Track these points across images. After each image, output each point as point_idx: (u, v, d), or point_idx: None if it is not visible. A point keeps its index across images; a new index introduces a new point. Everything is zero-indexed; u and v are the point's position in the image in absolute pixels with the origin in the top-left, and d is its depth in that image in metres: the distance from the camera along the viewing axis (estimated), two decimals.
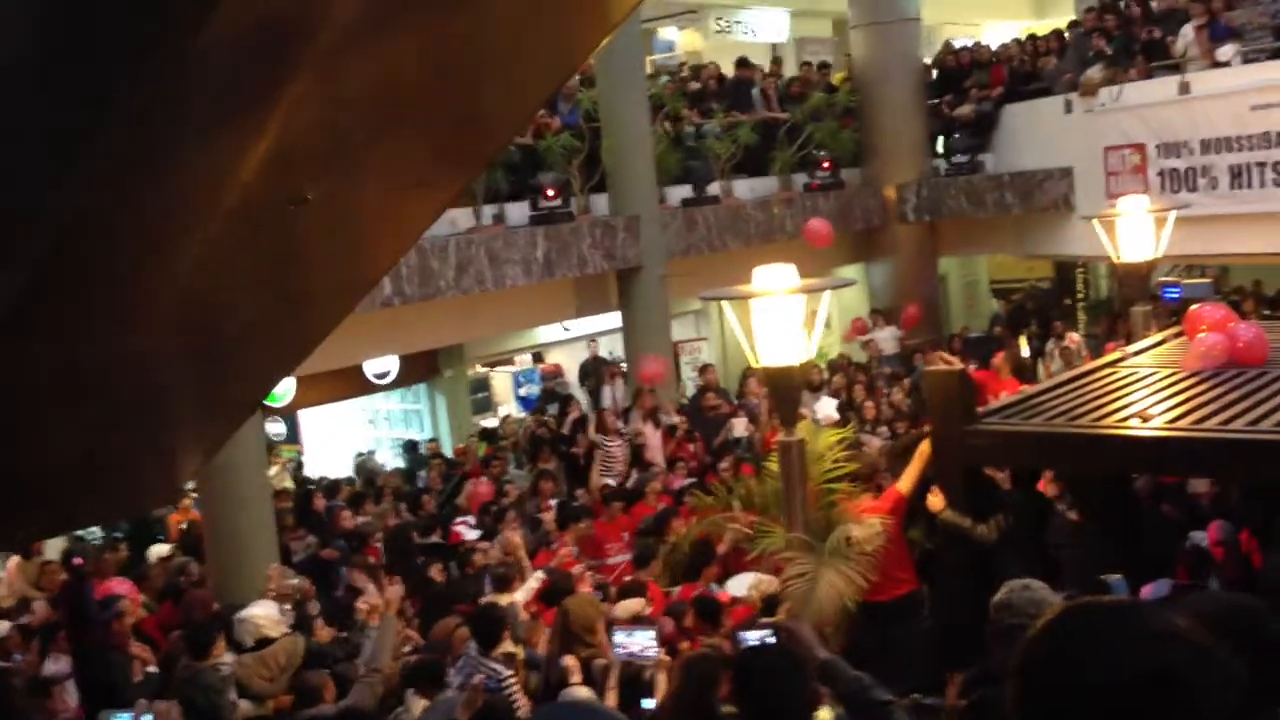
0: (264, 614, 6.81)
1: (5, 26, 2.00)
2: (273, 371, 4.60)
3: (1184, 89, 12.92)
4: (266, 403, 10.78)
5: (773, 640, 5.19)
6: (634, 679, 5.71)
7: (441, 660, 6.00)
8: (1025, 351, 14.73)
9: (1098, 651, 1.28)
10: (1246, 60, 12.59)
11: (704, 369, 13.93)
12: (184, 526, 10.36)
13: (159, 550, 9.70)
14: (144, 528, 10.74)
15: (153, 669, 7.04)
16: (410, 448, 14.20)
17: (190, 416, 3.94)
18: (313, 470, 13.97)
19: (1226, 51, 12.68)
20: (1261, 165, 12.27)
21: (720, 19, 19.70)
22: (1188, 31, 13.20)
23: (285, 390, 11.94)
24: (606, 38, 2.85)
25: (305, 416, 14.79)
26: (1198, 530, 6.84)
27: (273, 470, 11.24)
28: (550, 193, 11.92)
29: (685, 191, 13.86)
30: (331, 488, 10.97)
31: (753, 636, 5.63)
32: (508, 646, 6.16)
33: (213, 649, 6.24)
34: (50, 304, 2.48)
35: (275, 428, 13.92)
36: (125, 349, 2.97)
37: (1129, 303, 10.03)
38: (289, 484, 12.00)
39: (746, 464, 9.84)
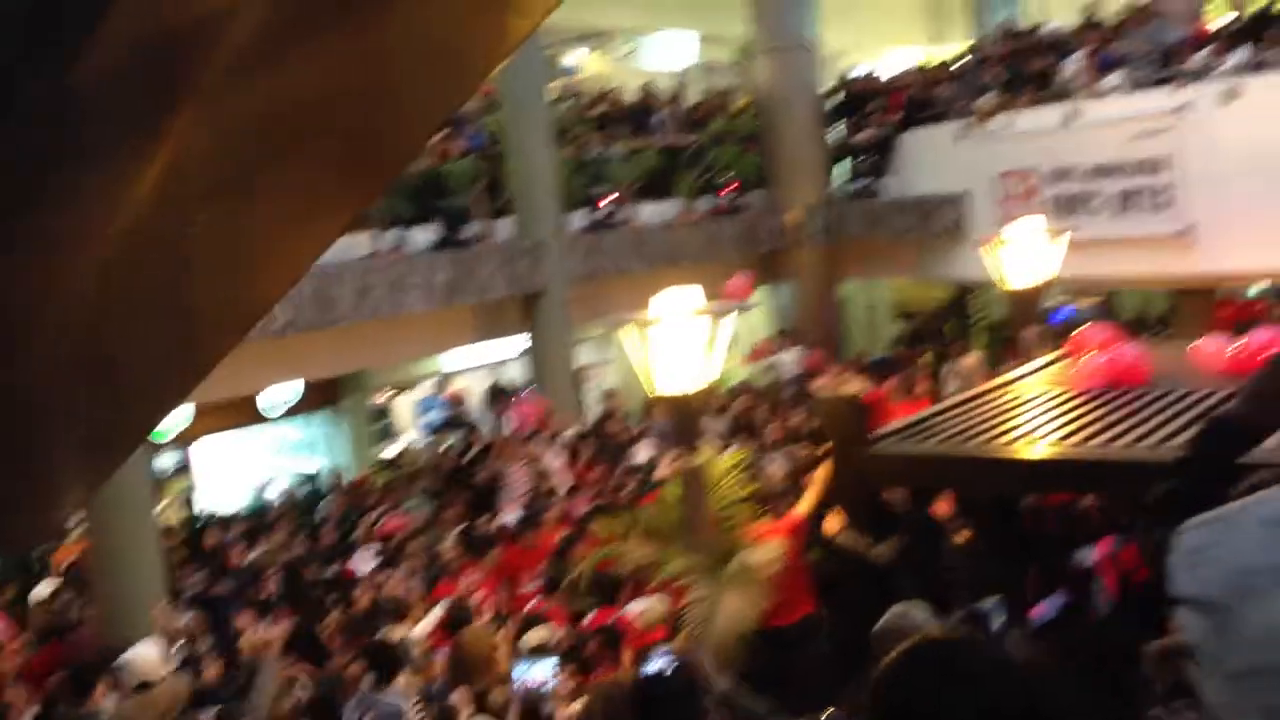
0: (147, 656, 6.58)
1: None
2: (162, 402, 4.49)
3: (1072, 117, 13.29)
4: (158, 434, 10.49)
5: (673, 668, 5.18)
6: (533, 711, 5.64)
7: (335, 698, 5.87)
8: (924, 373, 14.96)
9: (932, 691, 1.29)
10: (1131, 89, 13.00)
11: (609, 394, 13.92)
12: (70, 562, 10.00)
13: (42, 588, 9.36)
14: (25, 564, 10.35)
15: (34, 711, 6.76)
16: (307, 478, 13.92)
17: (74, 450, 3.81)
18: (206, 504, 13.62)
19: (1112, 81, 13.08)
20: (1146, 190, 12.65)
21: (625, 43, 19.83)
22: (1076, 60, 13.60)
23: (180, 420, 11.63)
24: (505, 59, 2.83)
25: (199, 448, 14.42)
26: (1086, 548, 6.98)
27: (162, 504, 10.92)
28: (454, 216, 11.83)
29: (588, 215, 13.86)
30: (224, 522, 10.70)
31: (653, 664, 5.61)
32: (405, 680, 6.04)
33: (94, 692, 6.01)
34: None
35: (166, 460, 13.55)
36: (10, 374, 2.85)
37: (1020, 325, 10.26)
38: (179, 519, 11.68)
39: (649, 491, 9.83)
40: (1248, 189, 11.76)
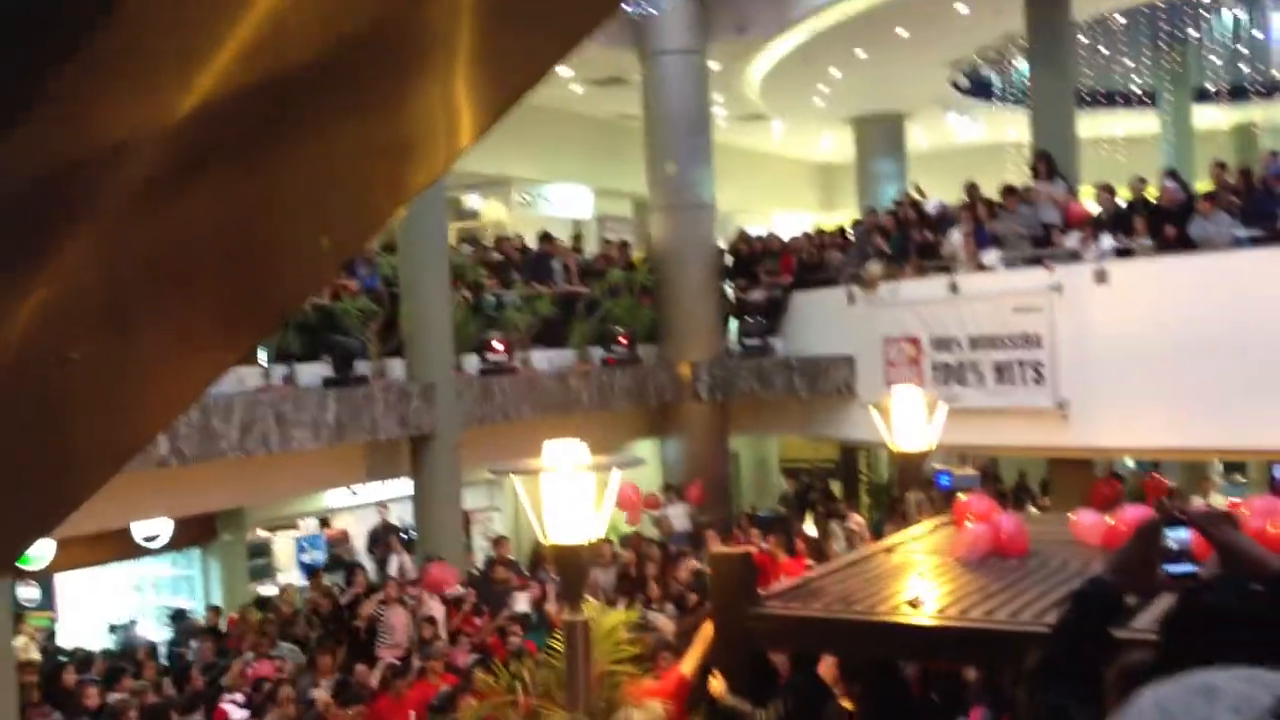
0: None
1: None
2: (26, 534, 4.31)
3: (953, 288, 13.86)
4: (19, 565, 9.99)
5: None
6: None
7: None
8: (811, 530, 15.14)
9: None
10: (1008, 266, 13.64)
11: (497, 540, 13.75)
12: None
13: None
14: None
15: None
16: (178, 616, 13.35)
17: None
18: (67, 640, 12.94)
19: (990, 257, 13.73)
20: (1022, 364, 13.17)
21: (524, 191, 20.23)
22: (955, 236, 14.26)
23: (41, 552, 11.13)
24: (400, 210, 2.88)
25: (62, 580, 13.76)
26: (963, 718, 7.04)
27: (20, 640, 10.35)
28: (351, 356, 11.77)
29: (481, 360, 13.89)
30: (85, 660, 10.17)
31: None
32: None
33: None
34: None
35: (28, 592, 12.89)
36: None
37: (905, 488, 10.48)
38: (36, 655, 11.06)
39: (530, 641, 9.67)
40: (1117, 368, 12.34)
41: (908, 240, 15.16)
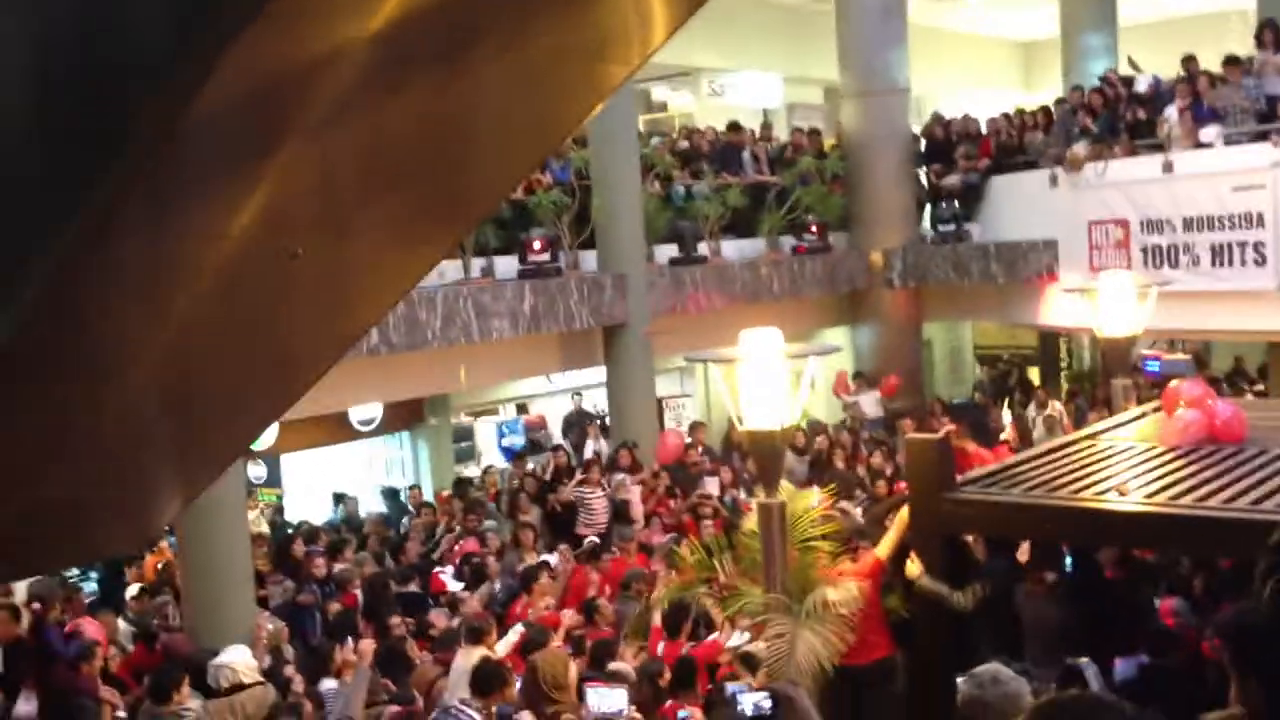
0: (240, 660, 6.76)
1: (4, 92, 2.06)
2: (257, 421, 4.63)
3: (1168, 168, 13.13)
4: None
5: (768, 704, 5.19)
6: None
7: (420, 710, 5.99)
8: (1007, 419, 14.83)
9: None
10: (1229, 142, 12.82)
11: (694, 427, 14.00)
12: (160, 567, 10.29)
13: (130, 591, 9.64)
14: (116, 568, 10.66)
15: (122, 714, 6.97)
16: (391, 494, 14.16)
17: (172, 465, 3.96)
18: (293, 514, 13.91)
19: (1210, 133, 12.91)
20: (1242, 245, 12.44)
21: (713, 82, 19.99)
22: (1172, 113, 13.44)
23: (268, 433, 11.92)
24: (599, 106, 2.93)
25: (287, 460, 14.74)
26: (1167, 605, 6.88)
27: (252, 514, 11.19)
28: (538, 246, 12.03)
29: (673, 251, 13.98)
30: (311, 533, 10.92)
31: (745, 698, 5.64)
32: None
33: (174, 694, 6.18)
34: (35, 351, 2.52)
35: (256, 471, 13.87)
36: (112, 396, 3.00)
37: (1110, 375, 10.14)
38: (266, 528, 11.94)
39: (719, 522, 9.88)
40: None
41: (1117, 118, 14.37)
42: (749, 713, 5.00)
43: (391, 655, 7.48)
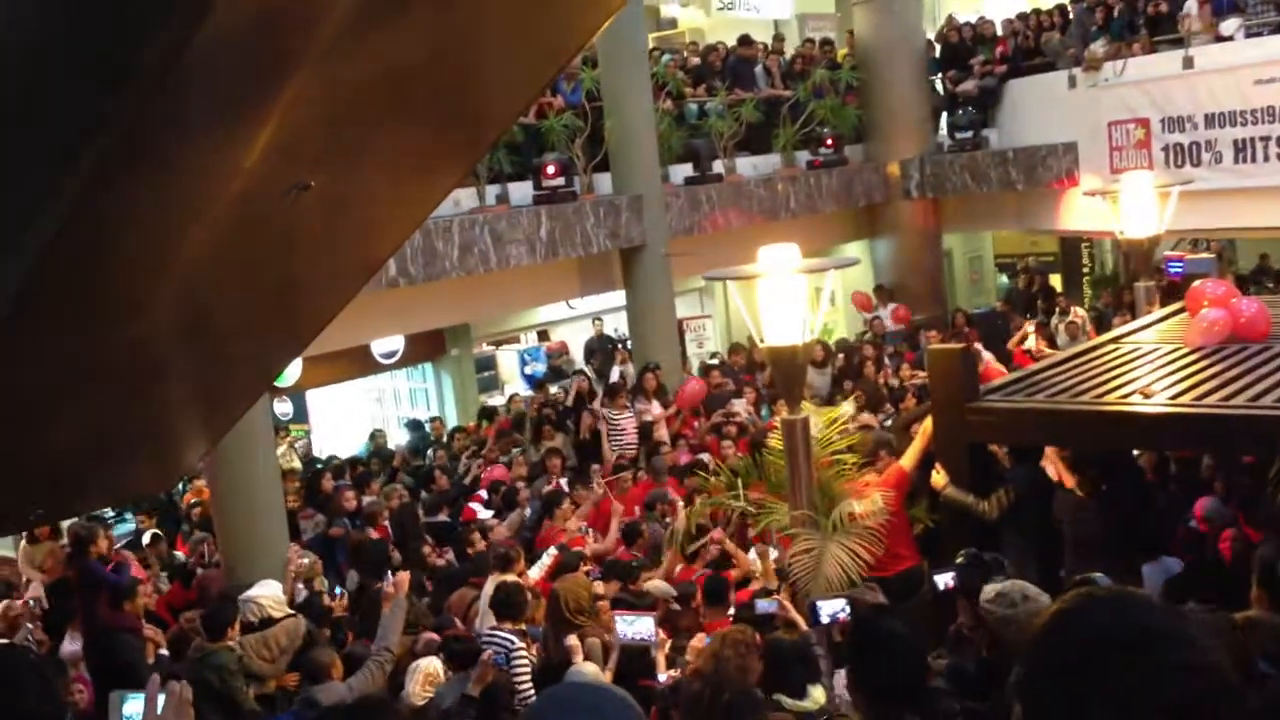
0: (268, 594, 6.88)
1: (11, 24, 2.04)
2: (279, 355, 4.64)
3: (1187, 63, 12.88)
4: (278, 378, 10.83)
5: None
6: (634, 659, 5.79)
7: (470, 638, 6.11)
8: (1030, 327, 14.75)
9: (1120, 683, 1.24)
10: (1249, 35, 12.55)
11: (735, 347, 14.03)
12: (193, 504, 10.44)
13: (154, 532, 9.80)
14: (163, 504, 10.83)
15: (164, 651, 7.11)
16: (414, 425, 14.27)
17: (197, 401, 3.99)
18: (321, 449, 14.05)
19: (1230, 26, 12.64)
20: (1265, 140, 12.25)
21: None
22: (1191, 5, 13.15)
23: (292, 370, 12.00)
24: (606, 22, 2.88)
25: (313, 396, 14.86)
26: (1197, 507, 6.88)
27: (281, 449, 11.31)
28: (552, 171, 11.94)
29: (688, 170, 13.86)
30: (340, 468, 11.03)
31: (765, 604, 5.73)
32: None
33: (229, 631, 6.30)
34: (55, 290, 2.52)
35: (283, 407, 13.99)
36: (132, 335, 3.01)
37: (1134, 278, 10.06)
38: (297, 463, 12.07)
39: (742, 440, 9.92)
40: None
41: (1135, 14, 14.07)
42: (824, 620, 5.15)
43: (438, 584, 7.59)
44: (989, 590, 3.95)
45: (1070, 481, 6.70)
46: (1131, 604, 1.31)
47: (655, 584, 6.94)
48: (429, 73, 2.52)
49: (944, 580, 5.33)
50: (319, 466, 11.70)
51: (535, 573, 7.25)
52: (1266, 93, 12.15)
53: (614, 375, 12.69)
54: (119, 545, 9.53)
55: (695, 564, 7.56)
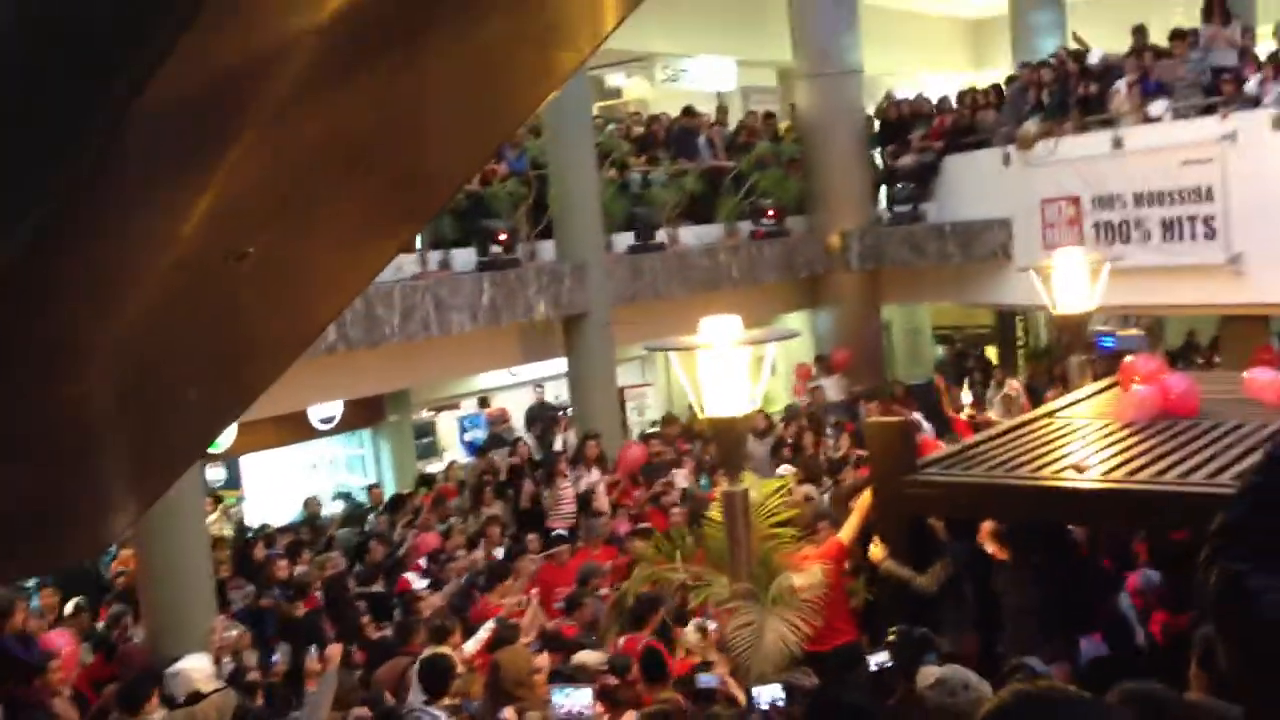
0: (197, 667, 6.69)
1: None
2: (214, 423, 4.57)
3: (1117, 144, 13.24)
4: (211, 445, 10.62)
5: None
6: None
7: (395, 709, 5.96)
8: (967, 398, 14.93)
9: None
10: (1177, 116, 12.94)
11: (669, 418, 14.02)
12: (118, 574, 10.14)
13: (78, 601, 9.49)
14: (86, 575, 10.49)
15: None
16: (345, 497, 14.06)
17: (128, 469, 3.90)
18: (254, 517, 13.78)
19: (1158, 108, 13.03)
20: (1193, 219, 12.58)
21: (667, 67, 19.95)
22: (1121, 87, 13.55)
23: (227, 435, 11.79)
24: (552, 93, 2.90)
25: (247, 461, 14.60)
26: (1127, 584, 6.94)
27: (212, 516, 11.07)
28: (504, 238, 11.96)
29: (631, 238, 13.95)
30: (272, 536, 10.82)
31: (707, 679, 5.67)
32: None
33: (145, 705, 6.11)
34: None
35: (215, 473, 13.73)
36: (59, 401, 2.94)
37: (1066, 352, 10.24)
38: (228, 531, 11.82)
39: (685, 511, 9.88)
40: None
41: (1067, 94, 14.47)
42: (763, 707, 5.09)
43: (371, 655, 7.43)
44: (928, 674, 3.95)
45: (1002, 554, 6.75)
46: (1064, 703, 1.32)
47: (586, 655, 6.85)
48: (375, 139, 2.51)
49: (877, 660, 5.33)
50: (250, 535, 11.46)
51: (471, 646, 7.13)
52: (1194, 173, 12.50)
53: (557, 444, 12.61)
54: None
55: (642, 631, 7.47)
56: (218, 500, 12.62)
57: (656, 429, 13.81)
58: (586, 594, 8.24)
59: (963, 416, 12.74)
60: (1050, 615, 6.34)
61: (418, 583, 9.27)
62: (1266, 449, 2.32)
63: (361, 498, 13.48)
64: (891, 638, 5.20)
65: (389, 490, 13.90)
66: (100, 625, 9.06)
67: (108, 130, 2.02)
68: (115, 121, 1.98)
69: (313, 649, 6.75)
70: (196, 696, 6.50)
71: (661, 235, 14.19)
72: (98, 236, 2.38)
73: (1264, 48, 13.42)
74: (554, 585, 9.06)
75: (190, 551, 8.77)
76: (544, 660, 6.61)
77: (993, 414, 12.85)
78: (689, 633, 7.20)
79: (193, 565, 8.74)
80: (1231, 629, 2.22)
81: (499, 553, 9.82)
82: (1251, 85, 12.41)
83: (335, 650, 5.87)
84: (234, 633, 7.56)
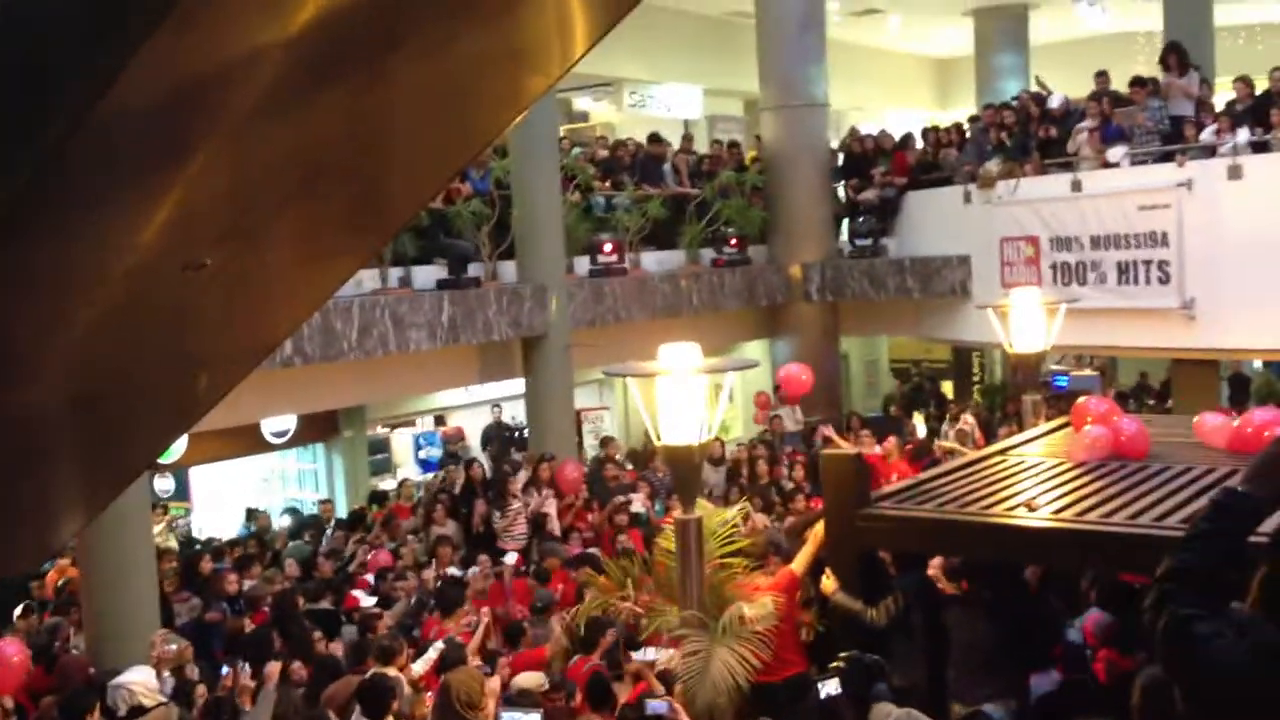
0: (140, 680, 6.58)
1: None
2: (164, 434, 4.50)
3: (1076, 186, 13.44)
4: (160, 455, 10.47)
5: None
6: None
7: None
8: (921, 432, 15.04)
9: None
10: (1135, 162, 13.16)
11: (606, 440, 13.98)
12: (60, 584, 9.97)
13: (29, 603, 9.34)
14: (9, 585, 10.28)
15: None
16: (293, 512, 13.91)
17: (74, 478, 3.82)
18: (201, 529, 13.60)
19: (1117, 153, 13.24)
20: (1148, 263, 12.77)
21: (634, 93, 20.05)
22: (1081, 131, 13.77)
23: (177, 445, 11.64)
24: (520, 116, 2.89)
25: (196, 473, 14.42)
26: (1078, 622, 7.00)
27: (158, 528, 10.91)
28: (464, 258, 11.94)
29: (592, 262, 13.97)
30: (219, 549, 10.68)
31: (657, 705, 5.64)
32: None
33: (87, 717, 6.00)
34: None
35: (164, 483, 13.54)
36: (12, 407, 2.89)
37: (1020, 390, 10.33)
38: (174, 543, 11.65)
39: (635, 531, 9.87)
40: (1247, 267, 11.90)
41: (1029, 137, 14.69)
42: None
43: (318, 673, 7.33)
44: (883, 712, 3.94)
45: (951, 589, 6.78)
46: None
47: (526, 678, 6.79)
48: (340, 155, 2.49)
49: (828, 688, 5.32)
50: (197, 548, 11.31)
51: (420, 666, 7.06)
52: (1149, 218, 12.71)
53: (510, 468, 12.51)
54: None
55: (592, 654, 7.42)
56: (165, 511, 12.45)
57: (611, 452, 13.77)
58: (540, 622, 8.20)
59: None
60: (1000, 651, 6.37)
61: (365, 600, 9.18)
62: (1213, 496, 2.35)
63: (312, 512, 13.32)
64: (841, 664, 5.19)
65: (341, 506, 13.77)
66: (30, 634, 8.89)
67: (66, 132, 1.99)
68: (74, 123, 1.95)
69: (246, 665, 6.64)
70: (139, 710, 6.39)
71: (624, 260, 14.21)
72: (50, 240, 2.34)
73: (1221, 98, 13.67)
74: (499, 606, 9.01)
75: (135, 562, 8.64)
76: (495, 683, 6.56)
77: (948, 446, 12.94)
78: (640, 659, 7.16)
79: (137, 576, 8.61)
80: (1181, 672, 2.24)
81: (453, 570, 9.73)
82: (1207, 134, 12.65)
83: (274, 667, 5.78)
84: (174, 647, 7.43)
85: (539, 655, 7.56)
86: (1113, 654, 6.42)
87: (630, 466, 13.15)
